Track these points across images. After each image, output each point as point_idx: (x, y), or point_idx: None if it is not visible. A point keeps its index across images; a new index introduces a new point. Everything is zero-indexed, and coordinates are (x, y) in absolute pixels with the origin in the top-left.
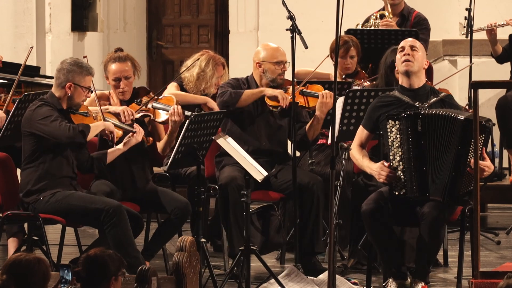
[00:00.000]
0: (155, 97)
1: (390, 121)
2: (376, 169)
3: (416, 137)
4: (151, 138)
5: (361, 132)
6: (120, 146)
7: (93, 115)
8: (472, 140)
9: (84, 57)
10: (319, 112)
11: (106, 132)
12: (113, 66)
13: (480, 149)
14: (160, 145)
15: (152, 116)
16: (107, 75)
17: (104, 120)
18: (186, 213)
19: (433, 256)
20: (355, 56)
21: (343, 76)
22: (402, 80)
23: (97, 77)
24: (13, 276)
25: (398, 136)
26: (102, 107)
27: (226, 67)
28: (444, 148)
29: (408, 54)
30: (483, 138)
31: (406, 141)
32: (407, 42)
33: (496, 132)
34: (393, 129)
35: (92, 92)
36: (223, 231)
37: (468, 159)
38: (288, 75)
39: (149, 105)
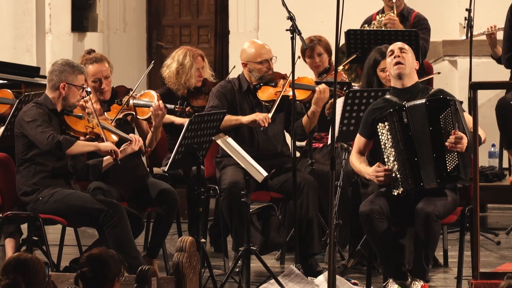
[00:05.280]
0: (135, 94)
1: (379, 124)
2: (372, 172)
3: (404, 130)
4: (149, 149)
5: (359, 140)
6: None
7: (88, 118)
8: (441, 116)
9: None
10: (315, 106)
11: (108, 151)
12: (91, 67)
13: (451, 124)
14: (146, 142)
15: (134, 113)
16: (85, 78)
17: (99, 124)
18: (173, 202)
19: (430, 253)
20: (323, 53)
21: (318, 75)
22: (394, 83)
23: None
24: (20, 275)
25: (389, 136)
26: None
27: (205, 58)
28: (425, 134)
29: (399, 56)
30: (449, 111)
31: (395, 137)
32: (396, 45)
33: (496, 132)
34: (384, 131)
35: (84, 90)
36: (222, 232)
37: (443, 137)
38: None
39: (130, 103)
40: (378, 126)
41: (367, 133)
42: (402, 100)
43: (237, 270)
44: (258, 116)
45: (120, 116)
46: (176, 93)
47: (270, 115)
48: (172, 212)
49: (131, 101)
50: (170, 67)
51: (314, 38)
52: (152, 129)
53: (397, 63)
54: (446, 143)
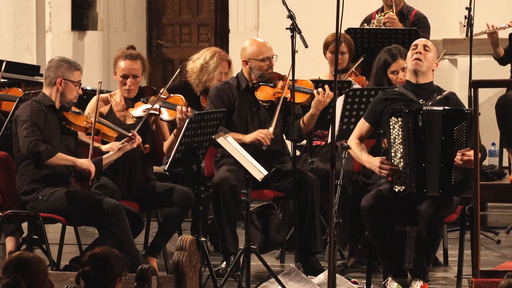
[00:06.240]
0: (163, 96)
1: (393, 118)
2: (376, 163)
3: (417, 132)
4: (147, 145)
5: (362, 125)
6: (115, 151)
7: (86, 114)
8: (455, 128)
9: (99, 82)
10: (314, 109)
11: (82, 170)
12: (123, 63)
13: (464, 137)
14: (166, 144)
15: (158, 114)
16: (116, 71)
17: (96, 120)
18: (189, 201)
19: (431, 254)
20: (346, 52)
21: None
22: (410, 76)
23: (97, 75)
24: (21, 274)
25: (400, 133)
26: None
27: (231, 66)
28: (436, 142)
29: (420, 53)
30: (465, 124)
31: (407, 137)
32: (421, 41)
33: (496, 131)
34: (396, 126)
35: (80, 87)
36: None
37: (454, 149)
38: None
39: (156, 105)
40: (391, 120)
41: (372, 120)
42: (417, 96)
43: (236, 271)
44: (259, 135)
45: (144, 114)
46: (195, 88)
47: (271, 129)
48: (184, 213)
49: (156, 104)
50: (196, 62)
51: (340, 35)
52: (174, 133)
53: (417, 59)
54: (455, 159)
